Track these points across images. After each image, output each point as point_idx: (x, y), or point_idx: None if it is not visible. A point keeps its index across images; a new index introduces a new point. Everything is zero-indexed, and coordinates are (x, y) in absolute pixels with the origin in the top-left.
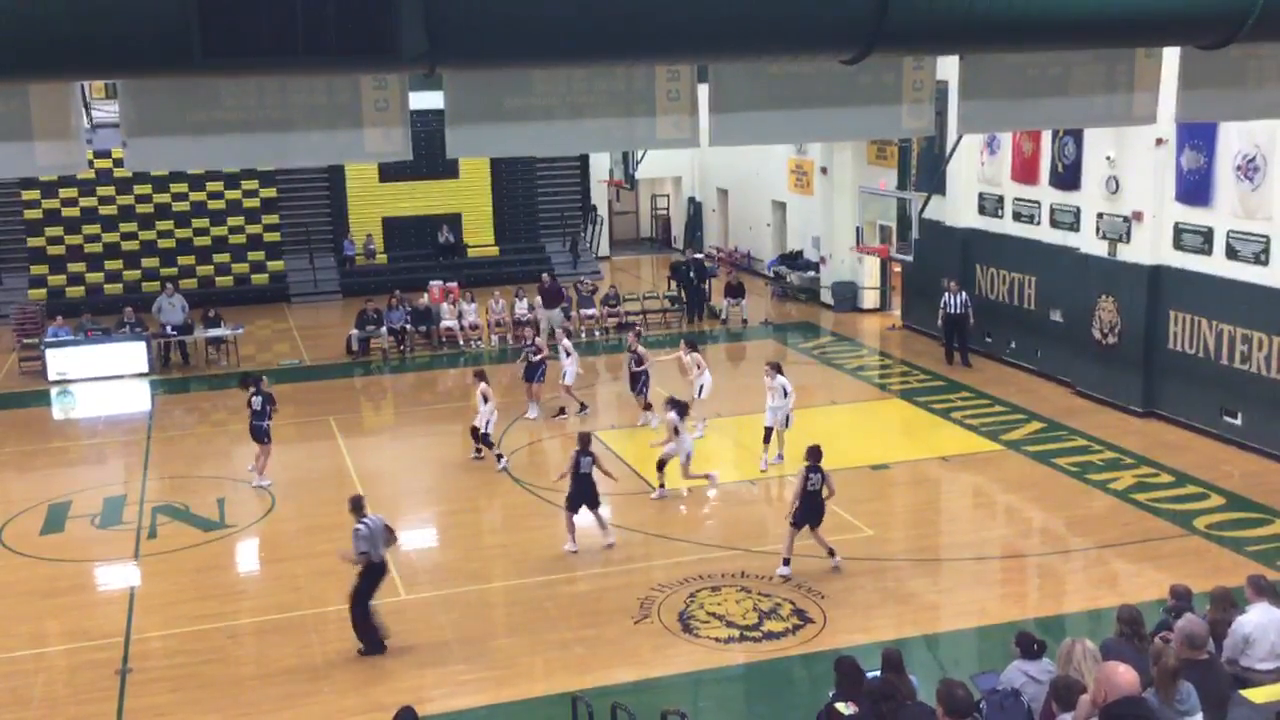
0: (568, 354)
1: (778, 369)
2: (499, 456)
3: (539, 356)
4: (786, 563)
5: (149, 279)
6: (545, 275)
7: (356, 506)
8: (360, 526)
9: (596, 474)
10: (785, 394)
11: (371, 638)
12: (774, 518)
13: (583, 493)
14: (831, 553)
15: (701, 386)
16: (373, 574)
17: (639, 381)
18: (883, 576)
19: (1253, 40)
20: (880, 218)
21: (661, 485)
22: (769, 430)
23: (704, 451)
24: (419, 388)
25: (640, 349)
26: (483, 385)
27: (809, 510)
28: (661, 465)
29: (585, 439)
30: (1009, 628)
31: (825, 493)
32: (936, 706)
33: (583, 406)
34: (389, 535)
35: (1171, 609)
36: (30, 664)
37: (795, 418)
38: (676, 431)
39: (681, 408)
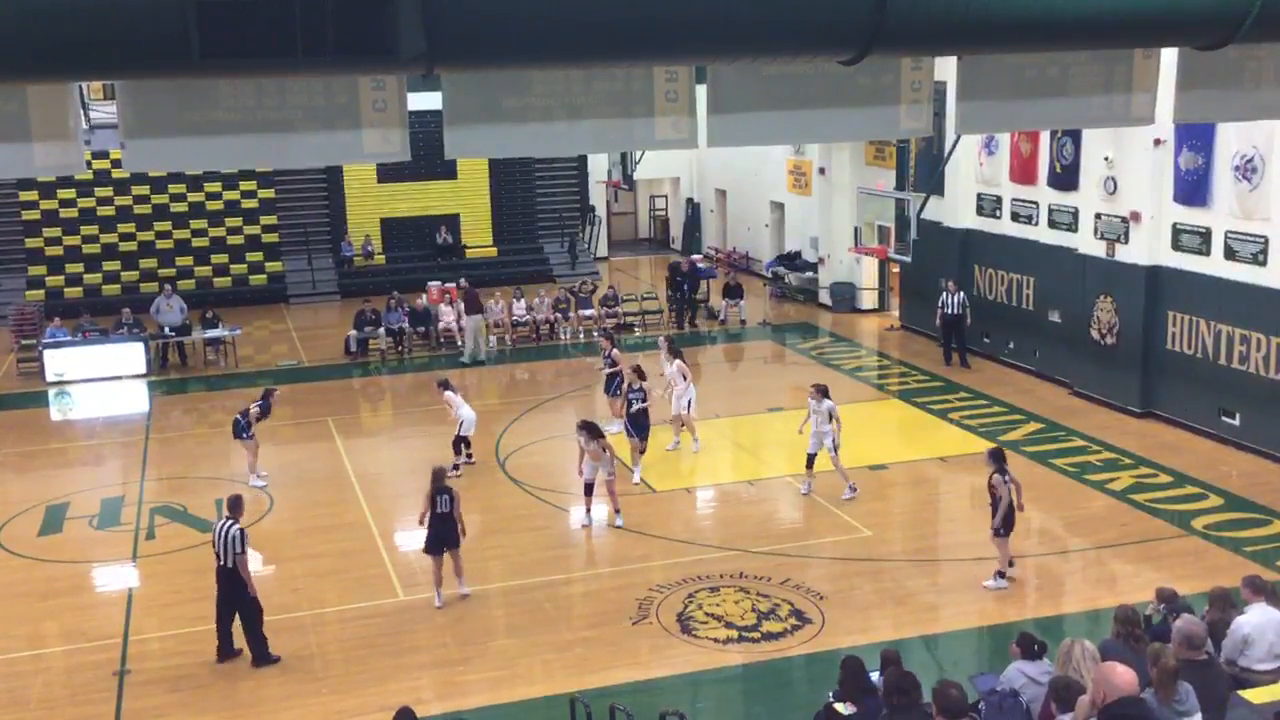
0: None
1: (824, 392)
2: (455, 465)
3: (615, 369)
4: (1000, 575)
5: (147, 280)
6: (463, 280)
7: (230, 506)
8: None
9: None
10: (831, 418)
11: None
12: (773, 518)
13: (441, 535)
14: (1010, 565)
15: (690, 402)
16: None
17: (613, 383)
18: (881, 577)
19: (1250, 41)
20: (878, 218)
21: (619, 511)
22: (812, 457)
23: (703, 451)
24: (417, 389)
25: (615, 351)
26: (448, 394)
27: (1013, 519)
28: (589, 489)
29: (439, 475)
30: (1007, 628)
31: (1016, 498)
32: (931, 705)
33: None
34: (223, 545)
35: (1164, 611)
36: (28, 665)
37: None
38: (604, 450)
39: (596, 430)
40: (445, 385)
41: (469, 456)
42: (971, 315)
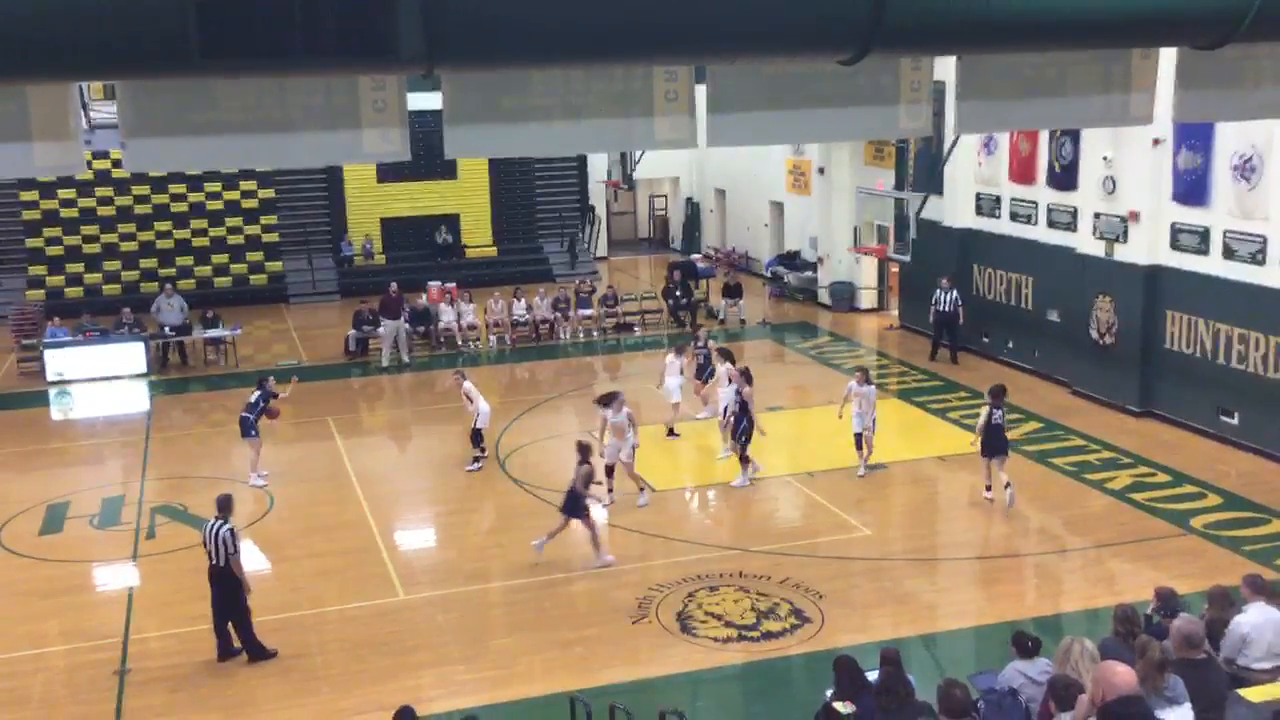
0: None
1: (868, 377)
2: (476, 459)
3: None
4: (989, 489)
5: (147, 279)
6: (393, 285)
7: (219, 505)
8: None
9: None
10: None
11: (223, 644)
12: (773, 518)
13: (570, 501)
14: (1006, 485)
15: (726, 408)
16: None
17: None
18: (880, 576)
19: (1249, 40)
20: (878, 218)
21: (642, 489)
22: (859, 436)
23: (703, 450)
24: (417, 388)
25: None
26: (467, 384)
27: (991, 443)
28: (611, 470)
29: (584, 448)
30: (1007, 627)
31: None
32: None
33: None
34: (214, 545)
35: (1158, 610)
36: (29, 664)
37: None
38: (629, 426)
39: (616, 400)
40: (464, 375)
41: (483, 450)
42: (965, 313)
